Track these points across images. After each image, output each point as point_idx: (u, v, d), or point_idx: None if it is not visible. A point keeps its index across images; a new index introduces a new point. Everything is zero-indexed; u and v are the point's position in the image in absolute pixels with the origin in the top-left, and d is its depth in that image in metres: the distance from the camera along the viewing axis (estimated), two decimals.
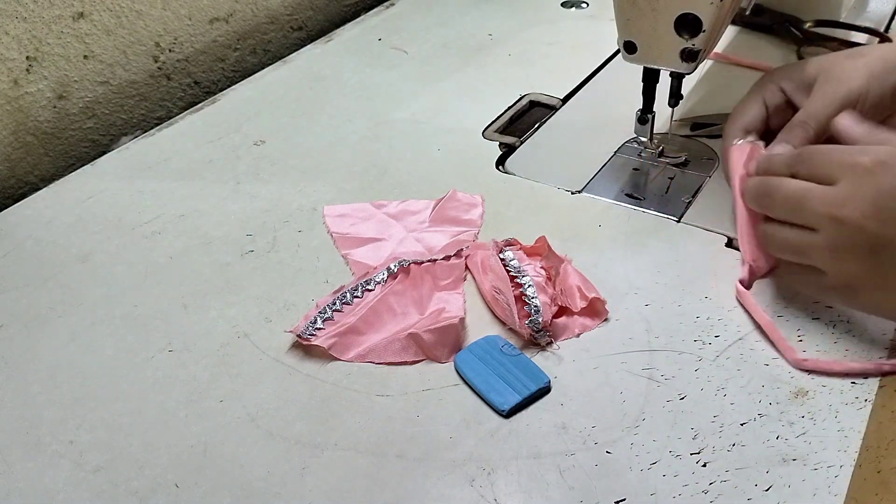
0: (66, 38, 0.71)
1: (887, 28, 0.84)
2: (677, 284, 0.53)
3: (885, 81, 0.52)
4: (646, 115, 0.62)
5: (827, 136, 0.52)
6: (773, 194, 0.47)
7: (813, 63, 0.55)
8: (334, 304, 0.51)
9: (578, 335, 0.50)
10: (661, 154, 0.65)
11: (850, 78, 0.52)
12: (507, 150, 0.69)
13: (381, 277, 0.53)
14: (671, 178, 0.64)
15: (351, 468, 0.43)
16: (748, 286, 0.51)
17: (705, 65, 0.79)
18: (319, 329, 0.50)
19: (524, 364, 0.47)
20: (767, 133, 0.56)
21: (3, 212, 0.64)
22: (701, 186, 0.62)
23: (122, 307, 0.54)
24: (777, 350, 0.47)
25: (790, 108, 0.55)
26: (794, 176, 0.47)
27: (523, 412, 0.45)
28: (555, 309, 0.50)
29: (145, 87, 0.80)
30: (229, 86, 0.81)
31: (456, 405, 0.46)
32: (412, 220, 0.60)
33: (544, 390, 0.46)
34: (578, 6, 0.94)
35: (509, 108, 0.75)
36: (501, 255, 0.53)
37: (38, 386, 0.49)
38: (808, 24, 0.82)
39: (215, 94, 0.80)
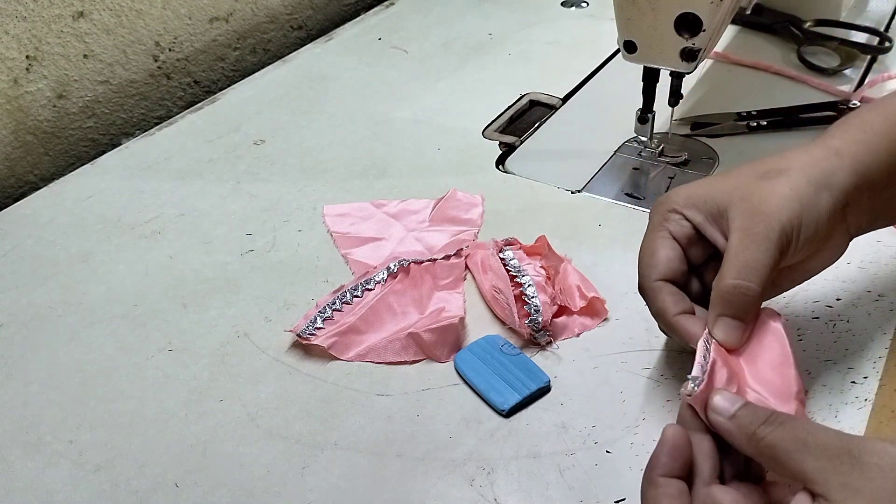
0: (65, 37, 0.71)
1: (887, 28, 0.84)
2: None
3: (817, 207, 0.41)
4: (646, 115, 0.62)
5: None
6: None
7: (718, 187, 0.43)
8: (334, 303, 0.51)
9: (578, 335, 0.50)
10: (661, 153, 0.65)
11: (779, 209, 0.40)
12: (507, 149, 0.69)
13: (381, 277, 0.53)
14: (671, 178, 0.64)
15: (351, 468, 0.43)
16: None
17: (705, 64, 0.79)
18: (319, 328, 0.50)
19: (524, 363, 0.47)
20: (692, 270, 0.44)
21: (2, 211, 0.64)
22: None
23: (122, 307, 0.54)
24: None
25: (702, 238, 0.43)
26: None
27: (523, 412, 0.45)
28: (554, 308, 0.50)
29: (145, 86, 0.80)
30: (229, 85, 0.81)
31: (456, 405, 0.46)
32: (412, 220, 0.60)
33: (544, 390, 0.46)
34: (578, 6, 0.94)
35: (509, 107, 0.75)
36: (501, 255, 0.53)
37: (38, 385, 0.49)
38: (808, 24, 0.82)
39: (215, 93, 0.80)
